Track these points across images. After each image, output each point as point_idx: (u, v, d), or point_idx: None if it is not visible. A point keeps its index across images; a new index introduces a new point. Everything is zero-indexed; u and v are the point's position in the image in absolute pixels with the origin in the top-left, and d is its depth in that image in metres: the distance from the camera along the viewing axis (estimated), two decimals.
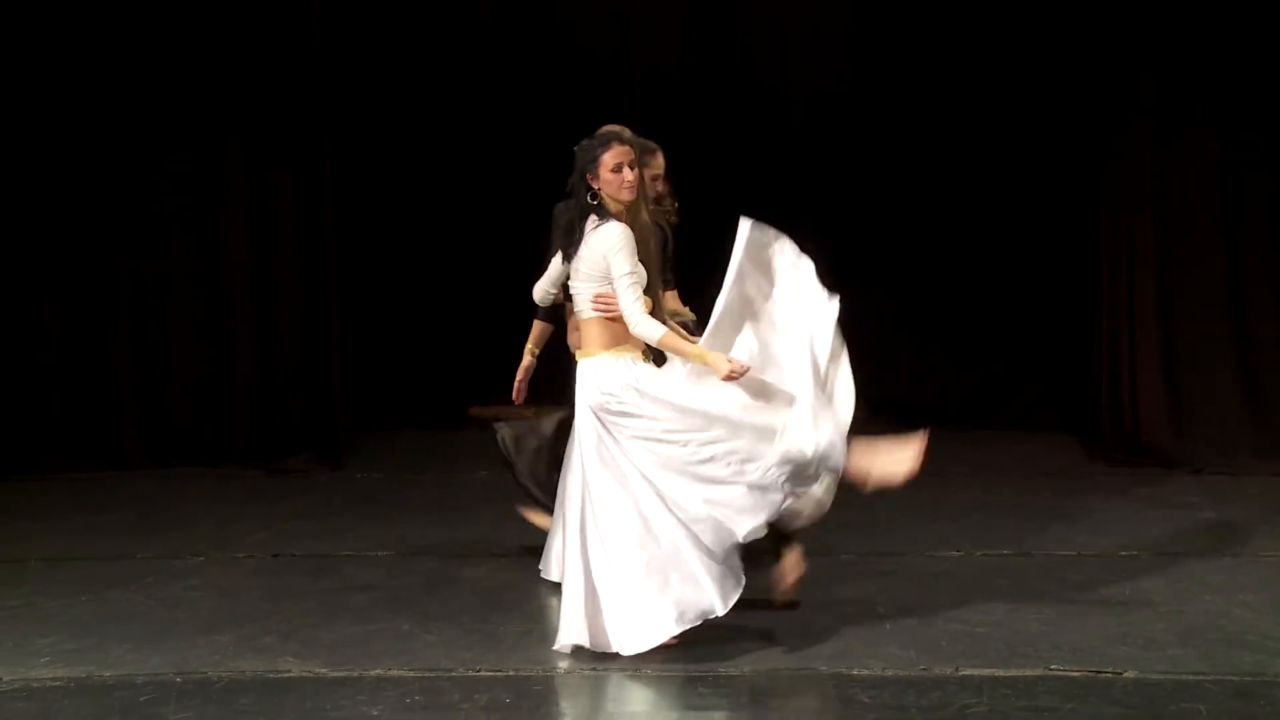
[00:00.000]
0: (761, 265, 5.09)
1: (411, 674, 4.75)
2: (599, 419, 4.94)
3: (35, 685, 4.68)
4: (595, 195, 5.00)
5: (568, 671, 4.79)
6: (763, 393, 4.95)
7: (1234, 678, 4.69)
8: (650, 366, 5.05)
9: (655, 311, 4.99)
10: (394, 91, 8.83)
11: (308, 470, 7.89)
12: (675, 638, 4.85)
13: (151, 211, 8.01)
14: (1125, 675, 4.72)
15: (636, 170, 5.03)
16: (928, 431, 5.11)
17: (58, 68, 7.82)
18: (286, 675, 4.76)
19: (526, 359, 5.54)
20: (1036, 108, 8.69)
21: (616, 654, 4.83)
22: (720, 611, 4.85)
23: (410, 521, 6.84)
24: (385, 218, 8.95)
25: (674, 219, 5.75)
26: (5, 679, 4.72)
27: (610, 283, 4.94)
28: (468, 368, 9.00)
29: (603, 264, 4.96)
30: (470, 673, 4.77)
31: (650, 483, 4.89)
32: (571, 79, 8.77)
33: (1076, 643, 5.02)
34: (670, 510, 4.88)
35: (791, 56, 9.15)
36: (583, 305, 5.04)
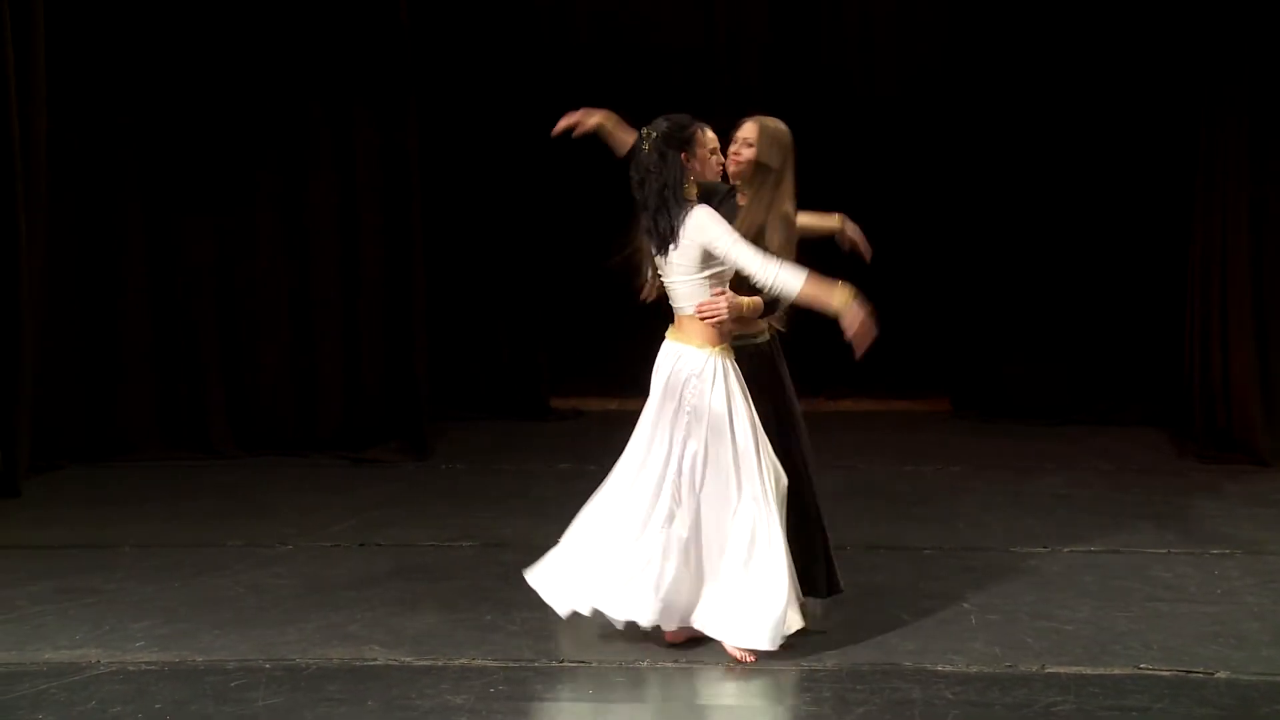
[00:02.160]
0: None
1: (495, 664, 4.79)
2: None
3: (131, 669, 4.78)
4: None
5: (651, 664, 4.80)
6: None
7: None
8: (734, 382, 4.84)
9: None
10: (479, 84, 8.90)
11: (393, 460, 7.98)
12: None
13: (238, 202, 8.12)
14: (1217, 676, 4.64)
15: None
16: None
17: (154, 55, 7.93)
18: (372, 663, 4.82)
19: None
20: (1129, 100, 8.57)
21: (702, 645, 4.85)
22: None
23: (494, 512, 6.89)
24: (469, 209, 9.02)
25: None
26: (103, 662, 4.83)
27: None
28: (551, 359, 9.06)
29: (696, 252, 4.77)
30: (553, 663, 4.80)
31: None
32: (656, 67, 8.80)
33: (1166, 641, 4.95)
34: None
35: (878, 53, 9.12)
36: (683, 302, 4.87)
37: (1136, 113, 8.57)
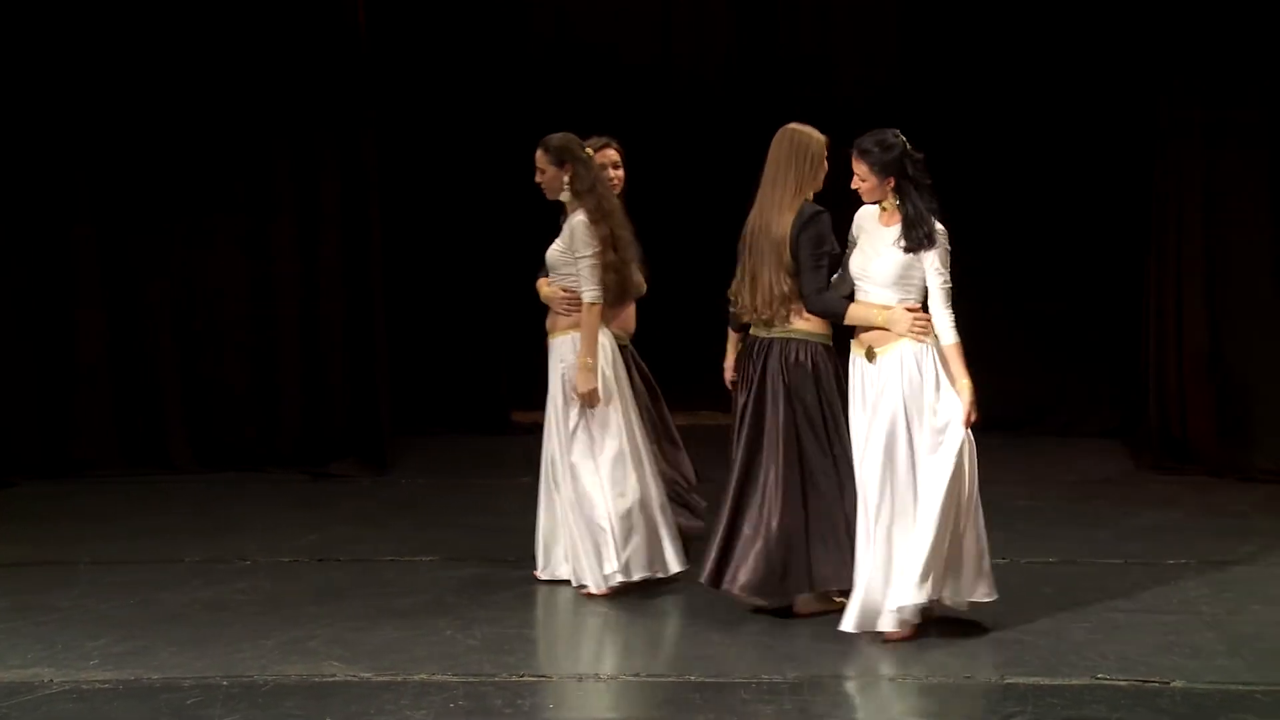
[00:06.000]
0: None
1: (455, 679, 4.77)
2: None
3: (85, 687, 4.73)
4: None
5: (612, 677, 4.80)
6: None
7: None
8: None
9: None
10: (439, 98, 8.89)
11: (353, 475, 7.94)
12: None
13: (198, 217, 8.07)
14: (1173, 685, 4.68)
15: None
16: None
17: (111, 78, 7.89)
18: (331, 679, 4.79)
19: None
20: (1085, 109, 8.62)
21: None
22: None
23: (454, 527, 6.87)
24: (429, 224, 9.00)
25: None
26: (56, 681, 4.78)
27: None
28: (511, 373, 9.04)
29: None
30: (513, 678, 4.79)
31: None
32: (616, 84, 8.81)
33: (1123, 652, 4.98)
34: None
35: (836, 58, 9.16)
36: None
37: (1094, 127, 8.62)
